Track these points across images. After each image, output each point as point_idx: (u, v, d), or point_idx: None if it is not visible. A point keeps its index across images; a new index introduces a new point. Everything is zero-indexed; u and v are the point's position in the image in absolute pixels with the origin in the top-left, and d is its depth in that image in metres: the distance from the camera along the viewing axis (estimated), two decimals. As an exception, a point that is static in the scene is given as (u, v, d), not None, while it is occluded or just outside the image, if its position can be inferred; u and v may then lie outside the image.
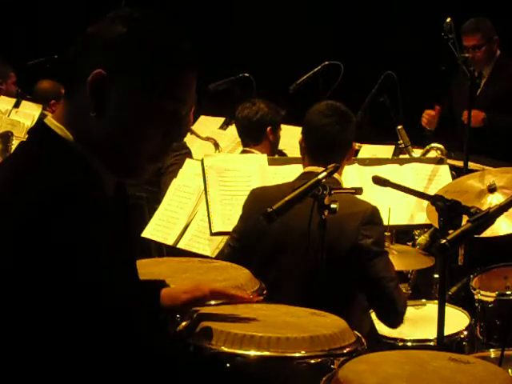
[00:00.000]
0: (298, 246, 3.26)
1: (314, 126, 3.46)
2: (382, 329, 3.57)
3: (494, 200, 3.70)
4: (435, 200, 3.13)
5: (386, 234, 3.99)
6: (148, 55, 1.76)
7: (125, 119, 1.76)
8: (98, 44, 1.76)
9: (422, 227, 4.26)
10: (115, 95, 1.75)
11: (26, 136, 1.83)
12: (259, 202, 3.40)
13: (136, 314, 1.71)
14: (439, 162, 4.43)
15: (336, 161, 3.21)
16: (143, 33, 1.77)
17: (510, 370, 2.87)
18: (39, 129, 1.82)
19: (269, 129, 4.72)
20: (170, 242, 4.23)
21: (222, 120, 6.26)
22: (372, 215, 3.29)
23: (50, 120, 1.80)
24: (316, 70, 6.07)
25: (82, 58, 1.77)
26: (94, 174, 1.78)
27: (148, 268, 2.78)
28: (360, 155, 5.21)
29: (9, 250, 1.61)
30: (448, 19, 5.02)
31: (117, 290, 1.67)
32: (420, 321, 3.59)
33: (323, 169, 3.09)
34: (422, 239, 4.26)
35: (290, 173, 4.08)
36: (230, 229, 3.85)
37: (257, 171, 4.15)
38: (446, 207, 3.01)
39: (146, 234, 4.34)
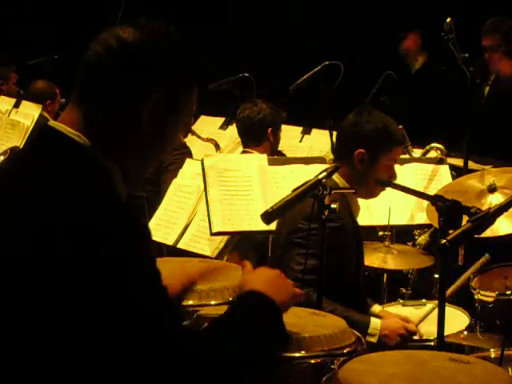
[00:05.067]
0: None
1: None
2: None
3: (494, 200, 3.70)
4: (435, 200, 3.13)
5: (386, 233, 4.01)
6: (186, 66, 1.83)
7: (165, 125, 1.82)
8: (139, 60, 1.77)
9: (422, 227, 4.26)
10: (153, 108, 1.78)
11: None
12: None
13: (174, 313, 1.73)
14: (439, 162, 4.43)
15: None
16: (180, 47, 1.83)
17: (510, 370, 2.86)
18: (52, 135, 1.80)
19: (270, 130, 4.71)
20: (169, 242, 4.23)
21: (222, 120, 6.26)
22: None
23: (63, 127, 1.78)
24: (316, 70, 6.06)
25: (120, 73, 1.77)
26: (112, 181, 1.79)
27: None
28: (360, 155, 5.21)
29: (40, 253, 1.63)
30: (448, 19, 5.02)
31: (156, 291, 1.69)
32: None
33: None
34: (422, 239, 4.26)
35: (289, 173, 4.09)
36: (229, 229, 3.86)
37: (257, 171, 4.14)
38: (446, 207, 3.01)
39: (146, 233, 4.33)
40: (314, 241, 3.06)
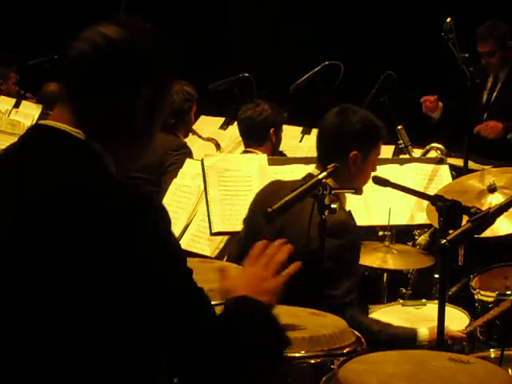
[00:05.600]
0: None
1: None
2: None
3: (494, 200, 3.70)
4: (435, 200, 3.13)
5: (386, 233, 4.01)
6: (169, 62, 1.87)
7: (153, 120, 1.86)
8: (126, 57, 1.80)
9: (422, 227, 4.26)
10: (147, 106, 1.82)
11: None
12: (263, 195, 3.47)
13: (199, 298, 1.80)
14: (439, 162, 4.43)
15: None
16: (164, 46, 1.87)
17: (510, 370, 2.87)
18: (46, 132, 1.81)
19: (272, 130, 4.71)
20: (170, 241, 4.22)
21: (222, 120, 6.26)
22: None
23: (56, 123, 1.80)
24: (316, 70, 6.07)
25: (109, 69, 1.80)
26: (110, 173, 1.82)
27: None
28: (360, 155, 5.21)
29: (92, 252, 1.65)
30: (448, 19, 5.02)
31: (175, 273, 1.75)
32: (420, 321, 3.59)
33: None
34: (422, 239, 4.26)
35: (289, 173, 4.08)
36: (230, 229, 3.86)
37: (257, 171, 4.15)
38: (446, 207, 3.01)
39: (146, 233, 4.32)
40: (341, 258, 3.10)
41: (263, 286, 1.99)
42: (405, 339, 3.13)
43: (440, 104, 5.96)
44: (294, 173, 4.04)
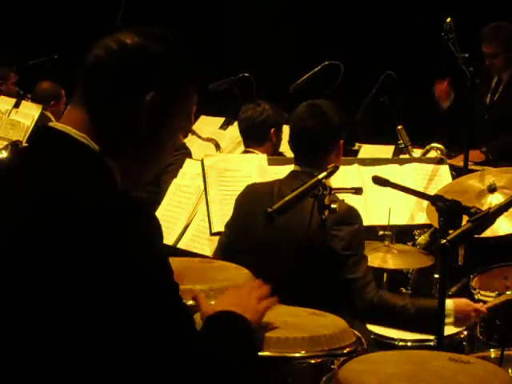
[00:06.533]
0: (286, 245, 3.26)
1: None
2: (381, 329, 3.58)
3: (494, 200, 3.70)
4: (435, 200, 3.13)
5: (386, 233, 4.01)
6: (182, 67, 1.86)
7: (161, 125, 1.84)
8: (138, 62, 1.80)
9: (422, 227, 4.26)
10: (152, 111, 1.81)
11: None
12: (248, 197, 3.49)
13: (184, 313, 1.79)
14: (439, 162, 4.43)
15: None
16: (178, 51, 1.86)
17: (510, 370, 2.87)
18: (56, 136, 1.80)
19: (272, 130, 4.71)
20: (169, 242, 4.23)
21: (222, 120, 6.26)
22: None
23: (68, 128, 1.79)
24: (316, 70, 6.07)
25: (120, 74, 1.79)
26: (116, 183, 1.81)
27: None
28: (360, 155, 5.22)
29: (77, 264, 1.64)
30: (448, 19, 5.03)
31: (165, 290, 1.74)
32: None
33: None
34: (422, 239, 4.26)
35: (290, 173, 4.09)
36: (230, 229, 3.85)
37: (257, 171, 4.15)
38: (446, 207, 3.01)
39: (146, 234, 4.32)
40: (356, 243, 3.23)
41: (252, 304, 2.11)
42: (432, 310, 3.05)
43: (452, 94, 6.04)
44: (294, 173, 4.05)
